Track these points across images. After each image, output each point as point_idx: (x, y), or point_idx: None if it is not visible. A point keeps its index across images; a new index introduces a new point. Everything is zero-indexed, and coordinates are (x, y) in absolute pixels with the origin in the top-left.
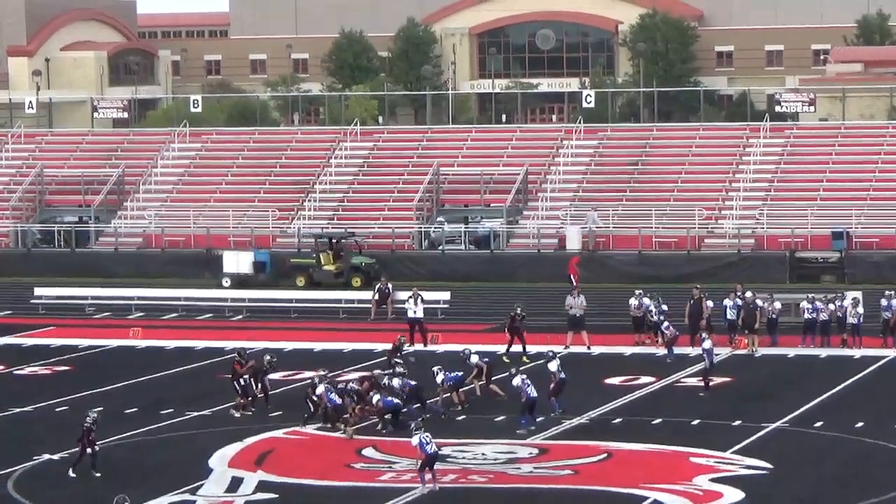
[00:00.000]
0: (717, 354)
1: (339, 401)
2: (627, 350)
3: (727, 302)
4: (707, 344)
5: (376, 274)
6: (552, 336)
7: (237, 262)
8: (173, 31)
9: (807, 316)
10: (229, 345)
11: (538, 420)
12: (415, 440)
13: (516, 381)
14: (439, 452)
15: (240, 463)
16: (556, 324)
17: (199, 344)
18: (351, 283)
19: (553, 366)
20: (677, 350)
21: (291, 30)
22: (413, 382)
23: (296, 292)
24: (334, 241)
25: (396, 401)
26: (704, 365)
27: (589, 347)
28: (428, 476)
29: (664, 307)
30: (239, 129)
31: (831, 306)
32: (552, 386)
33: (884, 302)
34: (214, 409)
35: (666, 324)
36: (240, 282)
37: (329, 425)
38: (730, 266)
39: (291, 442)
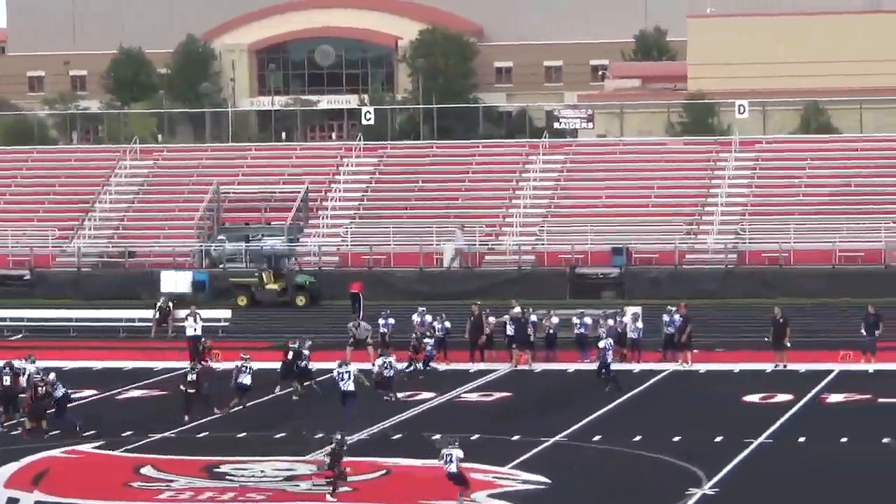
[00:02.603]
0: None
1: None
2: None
3: (505, 318)
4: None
5: (318, 293)
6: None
7: (175, 281)
8: None
9: (576, 331)
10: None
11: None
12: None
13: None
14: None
15: (16, 483)
16: (340, 341)
17: None
18: (295, 301)
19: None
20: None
21: (70, 45)
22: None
23: (74, 311)
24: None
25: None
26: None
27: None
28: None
29: (447, 324)
30: (16, 147)
31: (611, 321)
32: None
33: (666, 317)
34: None
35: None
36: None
37: None
38: (510, 282)
39: (68, 461)
